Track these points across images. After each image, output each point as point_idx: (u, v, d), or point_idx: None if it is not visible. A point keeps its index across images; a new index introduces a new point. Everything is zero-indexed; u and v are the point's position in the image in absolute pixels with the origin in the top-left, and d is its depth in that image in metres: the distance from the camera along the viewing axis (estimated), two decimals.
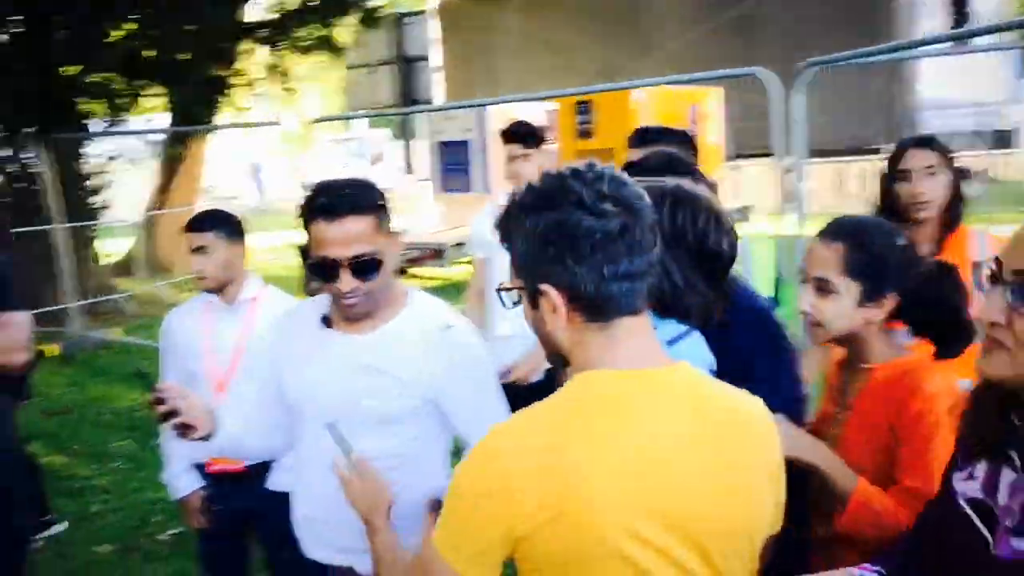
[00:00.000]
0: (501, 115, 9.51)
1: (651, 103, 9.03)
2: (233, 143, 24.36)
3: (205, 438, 1.98)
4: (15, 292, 3.07)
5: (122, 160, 14.17)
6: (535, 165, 3.88)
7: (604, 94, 8.73)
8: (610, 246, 1.25)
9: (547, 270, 1.28)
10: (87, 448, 6.42)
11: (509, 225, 1.34)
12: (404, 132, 26.35)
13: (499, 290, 1.38)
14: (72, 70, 11.13)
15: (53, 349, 9.19)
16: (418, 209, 12.28)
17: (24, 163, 11.26)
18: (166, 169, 14.00)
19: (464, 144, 12.07)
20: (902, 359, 1.84)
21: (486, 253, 4.02)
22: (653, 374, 1.30)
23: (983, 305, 1.23)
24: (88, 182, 12.11)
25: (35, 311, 10.01)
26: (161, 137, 14.44)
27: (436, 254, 11.42)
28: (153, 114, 15.57)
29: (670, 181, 1.79)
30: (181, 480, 3.14)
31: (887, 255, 1.79)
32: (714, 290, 1.73)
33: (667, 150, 2.45)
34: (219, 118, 12.97)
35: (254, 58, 12.89)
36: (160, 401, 1.87)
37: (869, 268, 1.77)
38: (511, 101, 10.47)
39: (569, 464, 1.21)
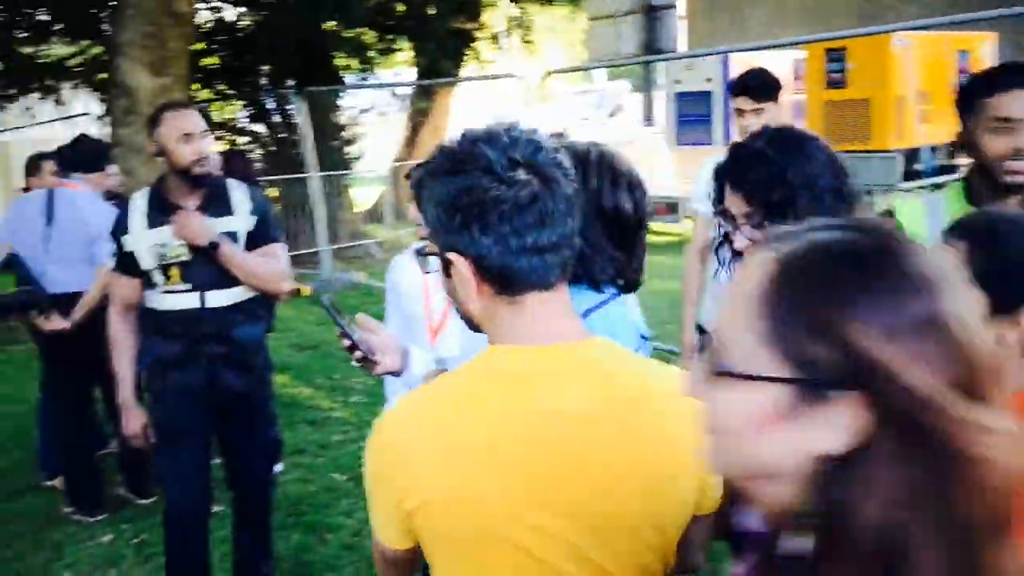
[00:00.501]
0: (745, 64, 9.03)
1: (914, 50, 8.21)
2: (477, 96, 25.04)
3: (395, 374, 1.96)
4: (276, 227, 3.34)
5: (373, 113, 14.94)
6: (766, 121, 3.56)
7: (860, 40, 8.03)
8: (519, 217, 1.16)
9: (455, 239, 1.20)
10: (331, 382, 6.84)
11: (421, 189, 1.24)
12: (645, 83, 25.93)
13: (418, 253, 1.31)
14: (329, 26, 11.77)
15: (306, 289, 9.89)
16: (654, 162, 12.00)
17: (286, 115, 12.12)
18: (413, 122, 14.58)
19: (704, 96, 11.62)
20: None
21: (708, 208, 3.78)
22: (561, 350, 1.20)
23: None
24: (343, 133, 12.86)
25: (291, 253, 10.73)
26: (409, 90, 15.02)
27: (670, 209, 11.13)
28: (401, 68, 16.23)
29: (582, 140, 1.63)
30: None
31: None
32: (626, 253, 1.61)
33: None
34: (464, 71, 13.30)
35: (497, 11, 13.06)
36: (345, 335, 1.86)
37: (1000, 275, 1.31)
38: (755, 49, 9.91)
39: (461, 443, 1.16)
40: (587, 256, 1.54)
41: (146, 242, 3.11)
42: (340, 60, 12.86)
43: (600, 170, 1.63)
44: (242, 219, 3.20)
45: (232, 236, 3.15)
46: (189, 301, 3.10)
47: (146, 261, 3.12)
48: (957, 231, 1.49)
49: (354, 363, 1.89)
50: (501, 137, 1.20)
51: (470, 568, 1.20)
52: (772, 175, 1.61)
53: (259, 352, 3.35)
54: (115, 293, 3.25)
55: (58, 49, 12.06)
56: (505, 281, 1.20)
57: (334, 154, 11.82)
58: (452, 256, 1.21)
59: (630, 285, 1.65)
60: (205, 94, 12.26)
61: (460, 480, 1.15)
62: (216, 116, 12.53)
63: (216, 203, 3.16)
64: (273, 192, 13.00)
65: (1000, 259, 1.38)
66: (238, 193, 3.24)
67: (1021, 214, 1.52)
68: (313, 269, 10.68)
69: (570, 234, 1.22)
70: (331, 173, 11.07)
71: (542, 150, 1.20)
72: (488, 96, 25.68)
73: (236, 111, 13.46)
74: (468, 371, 1.23)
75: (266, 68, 12.54)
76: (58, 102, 12.13)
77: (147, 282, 3.14)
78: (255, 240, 3.20)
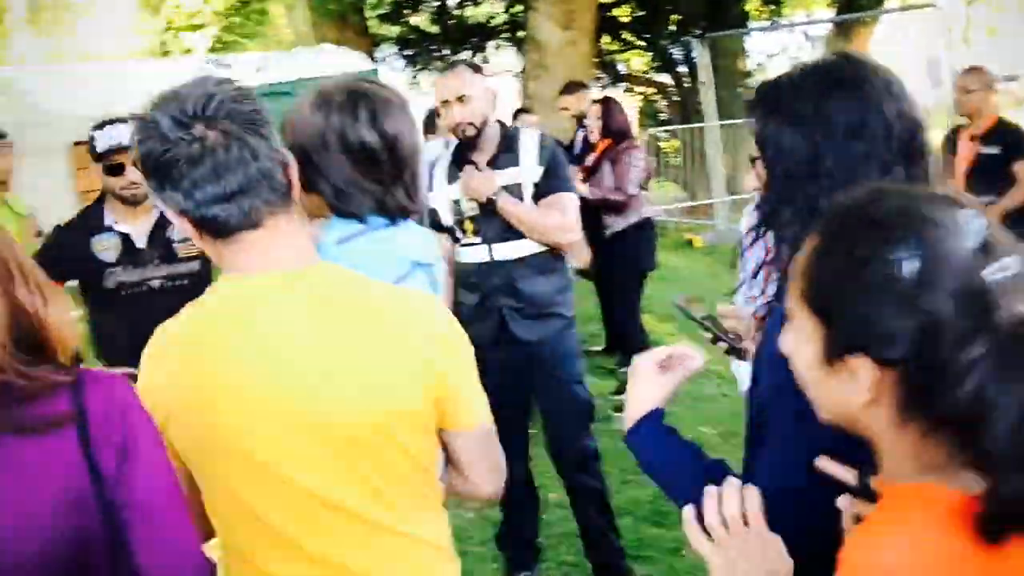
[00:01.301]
0: None
1: None
2: (904, 32, 22.77)
3: None
4: (565, 177, 3.23)
5: (783, 57, 14.27)
6: None
7: None
8: (195, 171, 1.23)
9: (160, 197, 1.29)
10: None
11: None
12: None
13: None
14: None
15: (697, 240, 9.83)
16: None
17: (691, 64, 12.02)
18: None
19: None
20: None
21: None
22: (277, 276, 1.31)
23: None
24: (747, 80, 12.46)
25: (687, 204, 10.67)
26: (823, 32, 14.09)
27: None
28: (818, 8, 15.28)
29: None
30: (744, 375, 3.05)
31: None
32: (385, 185, 1.67)
33: None
34: (887, 4, 12.18)
35: None
36: (707, 330, 1.75)
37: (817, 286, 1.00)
38: None
39: (193, 361, 1.29)
40: (341, 191, 1.66)
41: (445, 197, 3.20)
42: (750, 4, 12.43)
43: (342, 107, 1.66)
44: (528, 170, 3.15)
45: (517, 188, 3.12)
46: (480, 254, 3.14)
47: (445, 216, 3.21)
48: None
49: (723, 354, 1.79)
50: (171, 98, 1.26)
51: (211, 479, 1.33)
52: None
53: (554, 305, 3.27)
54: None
55: (484, 8, 13.08)
56: (211, 228, 1.28)
57: (736, 102, 11.49)
58: (165, 209, 1.32)
59: (396, 214, 1.70)
60: (612, 46, 12.57)
61: (195, 398, 1.28)
62: (625, 68, 12.82)
63: (505, 155, 3.14)
64: (674, 143, 13.05)
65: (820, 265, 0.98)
66: (528, 143, 3.18)
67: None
68: (709, 219, 10.56)
69: (258, 175, 1.27)
70: (731, 122, 10.78)
71: (215, 101, 1.24)
72: (912, 33, 23.23)
73: (644, 62, 13.65)
74: (202, 299, 1.36)
75: (673, 17, 12.52)
76: (484, 60, 13.21)
77: (452, 237, 3.22)
78: (542, 191, 3.14)
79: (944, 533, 0.85)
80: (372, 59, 10.58)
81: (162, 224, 3.06)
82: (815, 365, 0.96)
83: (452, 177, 3.16)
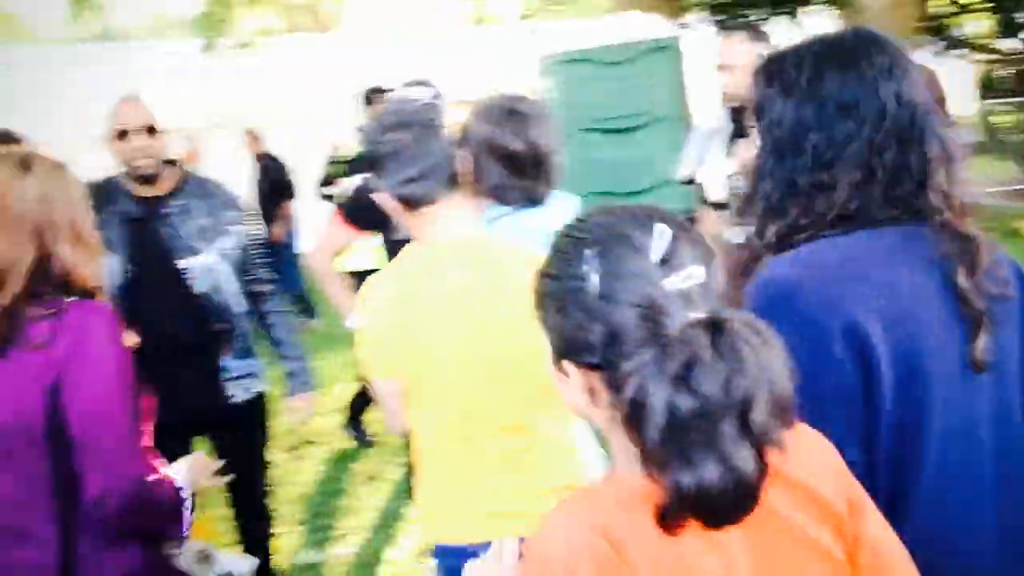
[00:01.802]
0: None
1: None
2: None
3: None
4: None
5: None
6: None
7: None
8: (395, 162, 1.84)
9: (378, 182, 1.90)
10: None
11: None
12: None
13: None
14: None
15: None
16: None
17: None
18: None
19: None
20: None
21: None
22: (451, 243, 1.88)
23: None
24: None
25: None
26: None
27: None
28: None
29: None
30: None
31: None
32: (528, 181, 2.28)
33: None
34: None
35: None
36: None
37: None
38: None
39: (398, 306, 1.87)
40: (496, 187, 2.26)
41: (720, 171, 3.00)
42: None
43: (499, 121, 2.25)
44: None
45: None
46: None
47: (716, 191, 3.01)
48: None
49: None
50: (388, 106, 1.94)
51: (415, 391, 1.88)
52: None
53: None
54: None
55: None
56: (406, 203, 1.89)
57: None
58: (376, 194, 1.94)
59: (539, 200, 2.31)
60: (945, 7, 11.35)
61: (401, 330, 1.86)
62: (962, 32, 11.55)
63: None
64: (1014, 117, 11.60)
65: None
66: None
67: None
68: None
69: (434, 166, 1.84)
70: None
71: (407, 113, 1.86)
72: None
73: (986, 26, 12.25)
74: (400, 258, 1.95)
75: None
76: (797, 25, 12.47)
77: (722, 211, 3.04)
78: None
79: (621, 515, 0.97)
80: (681, 25, 10.36)
81: None
82: (551, 368, 1.07)
83: (730, 151, 3.01)
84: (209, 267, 2.77)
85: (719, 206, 3.06)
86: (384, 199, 1.91)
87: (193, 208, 2.82)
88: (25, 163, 1.77)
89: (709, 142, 3.16)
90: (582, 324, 0.98)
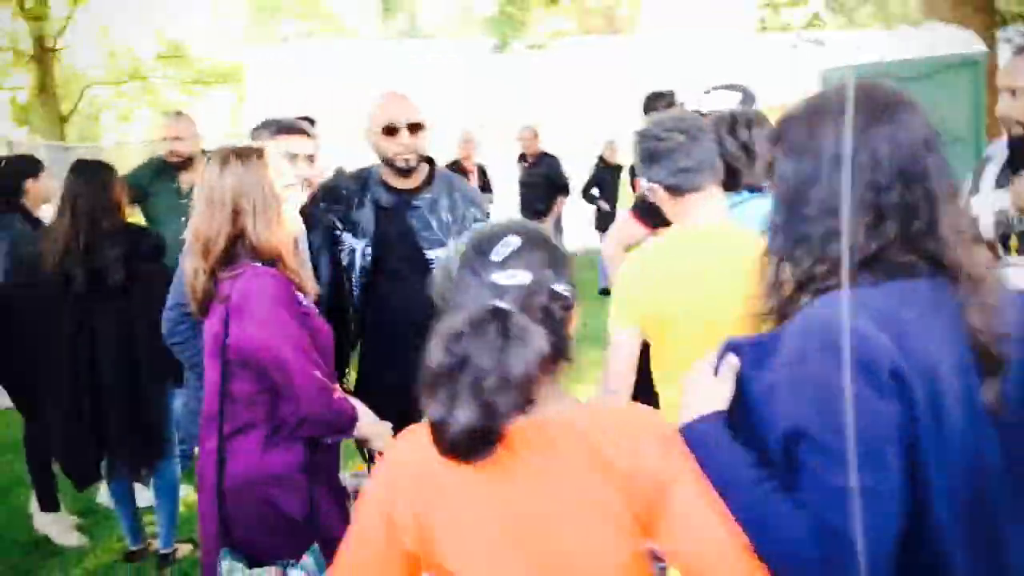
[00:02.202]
0: None
1: None
2: None
3: None
4: None
5: None
6: None
7: None
8: (671, 156, 2.29)
9: (647, 173, 2.36)
10: None
11: None
12: None
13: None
14: None
15: None
16: None
17: None
18: None
19: None
20: None
21: None
22: (703, 228, 2.32)
23: None
24: None
25: None
26: None
27: None
28: None
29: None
30: None
31: None
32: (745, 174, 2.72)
33: None
34: None
35: None
36: None
37: None
38: None
39: (658, 277, 2.32)
40: (728, 179, 2.54)
41: (990, 204, 2.70)
42: None
43: (729, 127, 2.72)
44: None
45: None
46: None
47: (986, 228, 2.70)
48: None
49: None
50: (663, 117, 2.42)
51: (677, 340, 2.26)
52: None
53: None
54: None
55: None
56: (673, 190, 2.32)
57: None
58: (643, 181, 2.38)
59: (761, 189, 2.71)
60: None
61: (661, 294, 2.28)
62: None
63: None
64: None
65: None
66: None
67: None
68: None
69: (700, 160, 2.30)
70: None
71: (681, 120, 2.35)
72: None
73: None
74: (665, 239, 2.44)
75: None
76: None
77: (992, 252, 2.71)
78: None
79: (418, 441, 1.34)
80: (991, 39, 9.47)
81: None
82: None
83: (1001, 181, 2.75)
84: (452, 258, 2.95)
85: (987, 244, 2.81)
86: (653, 188, 2.35)
87: (440, 202, 3.02)
88: (225, 159, 2.27)
89: (984, 171, 2.89)
90: (450, 292, 1.38)
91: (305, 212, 2.74)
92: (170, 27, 21.24)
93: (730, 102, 3.04)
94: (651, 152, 2.31)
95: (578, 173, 9.92)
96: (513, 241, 1.33)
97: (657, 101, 4.81)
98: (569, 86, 14.31)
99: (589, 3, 22.86)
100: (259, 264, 2.28)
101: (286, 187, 2.36)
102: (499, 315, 1.24)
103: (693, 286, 2.23)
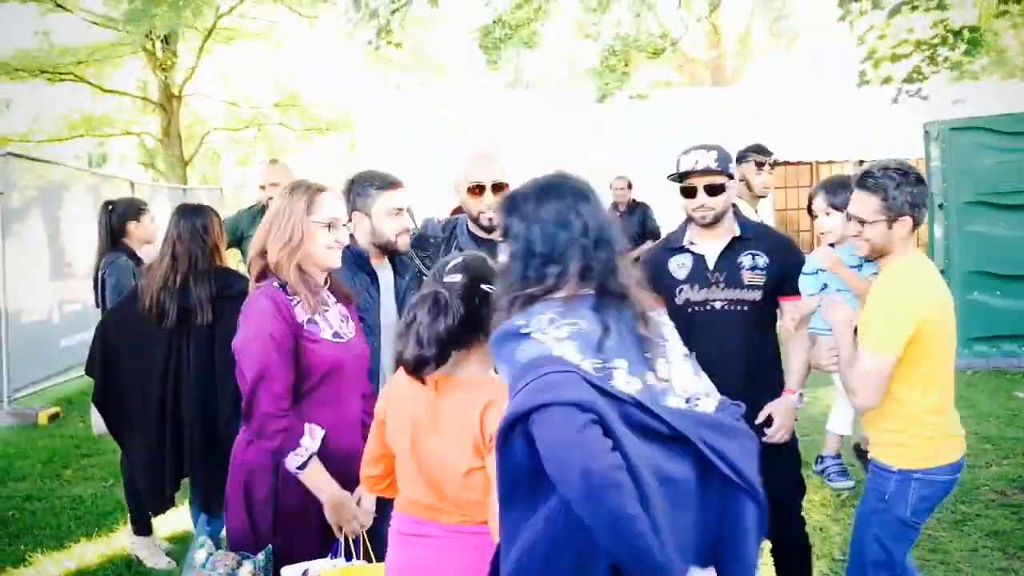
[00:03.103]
0: None
1: None
2: None
3: None
4: None
5: None
6: None
7: None
8: (924, 194, 2.86)
9: (908, 207, 2.81)
10: None
11: None
12: None
13: None
14: None
15: None
16: None
17: None
18: None
19: None
20: None
21: None
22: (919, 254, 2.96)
23: None
24: None
25: None
26: None
27: None
28: None
29: None
30: None
31: None
32: None
33: None
34: None
35: None
36: None
37: None
38: None
39: (932, 291, 2.89)
40: None
41: None
42: None
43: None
44: None
45: None
46: None
47: None
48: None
49: None
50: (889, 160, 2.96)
51: (935, 351, 2.82)
52: None
53: None
54: None
55: None
56: (917, 223, 2.84)
57: None
58: (902, 218, 2.81)
59: None
60: None
61: (933, 306, 2.83)
62: None
63: None
64: None
65: None
66: None
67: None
68: None
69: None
70: None
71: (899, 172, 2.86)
72: None
73: None
74: (912, 261, 2.88)
75: None
76: None
77: None
78: None
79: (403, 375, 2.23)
80: None
81: (732, 248, 3.17)
82: None
83: None
84: None
85: None
86: (906, 221, 2.80)
87: None
88: (283, 191, 2.75)
89: None
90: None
91: (403, 257, 3.16)
92: (288, 77, 22.26)
93: (706, 161, 3.08)
94: (919, 191, 2.79)
95: (675, 221, 9.89)
96: (458, 259, 2.23)
97: (755, 154, 4.91)
98: (669, 135, 14.37)
99: (694, 54, 22.92)
100: (276, 282, 2.62)
101: (325, 225, 2.64)
102: (436, 296, 2.13)
103: (945, 298, 2.87)
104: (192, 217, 3.77)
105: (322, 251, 2.67)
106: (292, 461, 2.54)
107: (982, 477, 5.21)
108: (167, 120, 19.18)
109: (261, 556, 2.50)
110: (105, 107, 20.42)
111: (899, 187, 2.76)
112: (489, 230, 3.15)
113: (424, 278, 3.20)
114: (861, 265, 3.09)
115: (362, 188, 3.08)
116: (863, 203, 2.80)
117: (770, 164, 4.92)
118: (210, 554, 2.52)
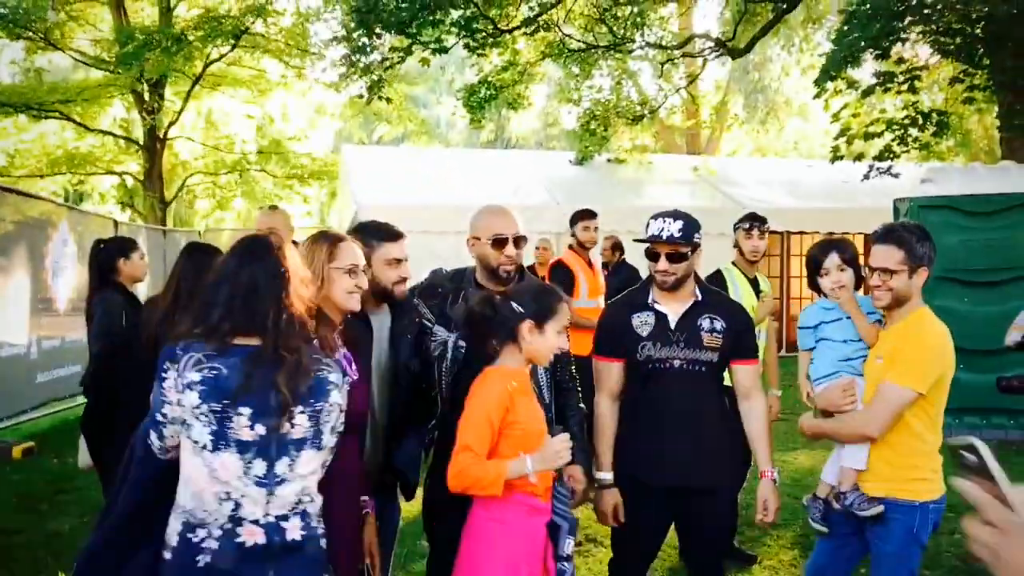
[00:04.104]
0: None
1: None
2: None
3: None
4: None
5: None
6: None
7: None
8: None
9: (928, 257, 3.11)
10: None
11: None
12: None
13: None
14: None
15: None
16: None
17: None
18: None
19: None
20: None
21: None
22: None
23: None
24: None
25: None
26: None
27: None
28: None
29: None
30: None
31: None
32: None
33: None
34: None
35: None
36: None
37: None
38: None
39: (948, 344, 3.11)
40: None
41: None
42: None
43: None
44: None
45: None
46: None
47: None
48: None
49: None
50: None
51: (943, 396, 3.09)
52: None
53: None
54: None
55: None
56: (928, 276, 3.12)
57: None
58: (921, 269, 3.09)
59: None
60: None
61: (951, 355, 3.10)
62: None
63: None
64: None
65: None
66: None
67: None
68: None
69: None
70: None
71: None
72: None
73: None
74: (928, 313, 3.12)
75: None
76: None
77: None
78: None
79: None
80: None
81: (694, 310, 3.32)
82: None
83: None
84: None
85: None
86: (924, 272, 3.08)
87: None
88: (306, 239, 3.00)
89: None
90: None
91: (400, 302, 3.24)
92: (271, 125, 22.48)
93: (670, 230, 3.24)
94: (932, 247, 3.07)
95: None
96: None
97: (752, 221, 5.14)
98: (644, 197, 14.70)
99: (672, 122, 23.40)
100: None
101: (346, 271, 2.82)
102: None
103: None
104: (198, 257, 3.87)
105: (343, 295, 2.82)
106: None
107: (944, 544, 5.35)
108: (150, 161, 19.28)
109: None
110: (88, 145, 20.50)
111: (919, 241, 3.06)
112: (506, 281, 3.29)
113: (428, 326, 3.34)
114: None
115: (364, 238, 3.21)
116: (888, 255, 3.04)
117: (759, 230, 5.12)
118: None
